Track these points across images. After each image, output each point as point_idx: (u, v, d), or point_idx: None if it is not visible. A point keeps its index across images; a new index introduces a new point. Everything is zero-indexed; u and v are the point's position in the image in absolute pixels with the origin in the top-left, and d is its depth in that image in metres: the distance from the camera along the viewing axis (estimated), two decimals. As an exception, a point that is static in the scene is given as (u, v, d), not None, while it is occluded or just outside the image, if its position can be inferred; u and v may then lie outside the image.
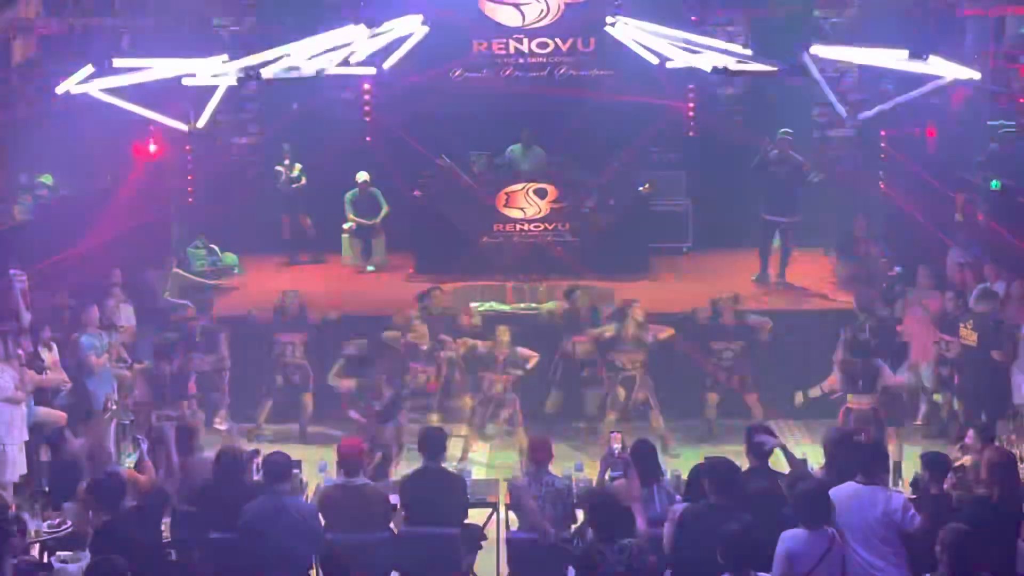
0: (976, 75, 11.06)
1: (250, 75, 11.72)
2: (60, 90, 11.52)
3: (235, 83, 11.27)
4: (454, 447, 13.57)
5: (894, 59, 10.45)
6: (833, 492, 8.13)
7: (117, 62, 11.10)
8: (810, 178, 15.92)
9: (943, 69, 10.52)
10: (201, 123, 12.61)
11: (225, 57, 11.25)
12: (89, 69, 11.08)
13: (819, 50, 11.31)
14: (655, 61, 14.25)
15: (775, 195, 15.78)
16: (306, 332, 14.08)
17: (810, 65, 11.53)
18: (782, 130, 15.95)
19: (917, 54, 10.05)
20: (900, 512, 8.09)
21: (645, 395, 13.55)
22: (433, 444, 9.66)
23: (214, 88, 11.63)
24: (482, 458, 13.46)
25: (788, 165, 15.77)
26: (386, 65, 14.64)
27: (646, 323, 13.57)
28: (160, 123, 12.70)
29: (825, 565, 7.73)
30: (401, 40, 13.80)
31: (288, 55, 11.56)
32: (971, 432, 10.09)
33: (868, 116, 12.15)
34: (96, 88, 11.28)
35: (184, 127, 12.56)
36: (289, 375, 14.01)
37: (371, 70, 14.87)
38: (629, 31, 13.01)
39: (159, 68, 11.06)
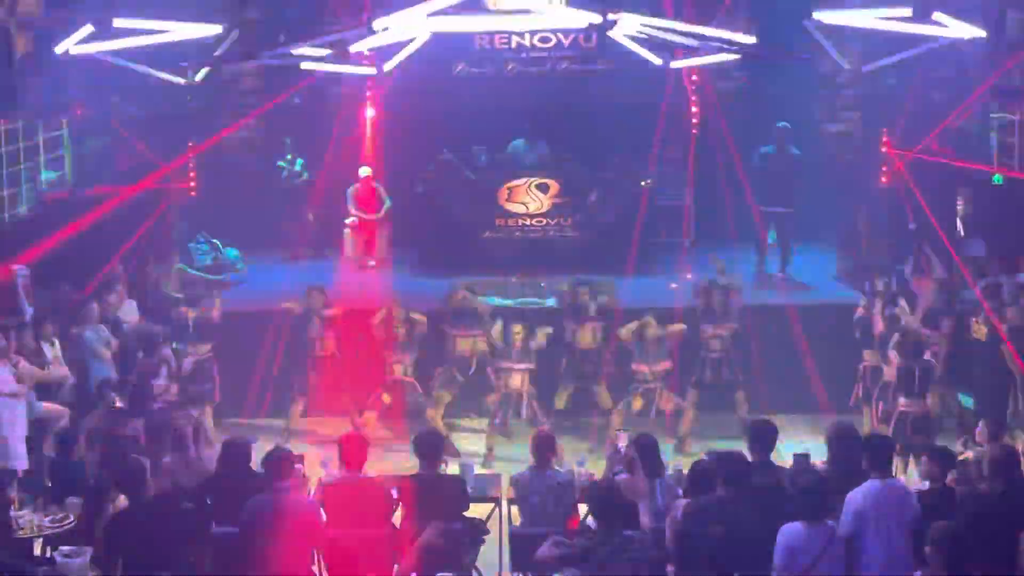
0: (981, 32, 11.01)
1: (248, 55, 11.73)
2: (59, 50, 11.46)
3: (235, 62, 11.30)
4: (477, 444, 13.68)
5: (897, 18, 10.45)
6: (861, 491, 8.09)
7: (117, 22, 11.04)
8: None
9: (947, 28, 10.51)
10: (199, 78, 12.57)
11: (226, 25, 11.22)
12: (89, 28, 11.02)
13: (822, 16, 11.33)
14: (658, 62, 14.22)
15: (771, 187, 15.81)
16: (338, 328, 13.90)
17: (812, 30, 11.54)
18: (779, 123, 15.99)
19: (921, 12, 10.03)
20: (919, 509, 8.11)
21: (673, 406, 13.55)
22: (428, 448, 9.57)
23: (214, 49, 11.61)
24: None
25: (784, 157, 15.82)
26: (387, 67, 14.65)
27: (662, 335, 13.55)
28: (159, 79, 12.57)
29: (826, 560, 7.73)
30: (402, 44, 13.83)
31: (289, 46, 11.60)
32: (981, 425, 10.08)
33: (871, 69, 12.14)
34: (96, 49, 11.24)
35: (182, 81, 12.52)
36: (322, 372, 13.80)
37: (371, 70, 14.90)
38: (631, 26, 12.98)
39: (159, 32, 11.04)
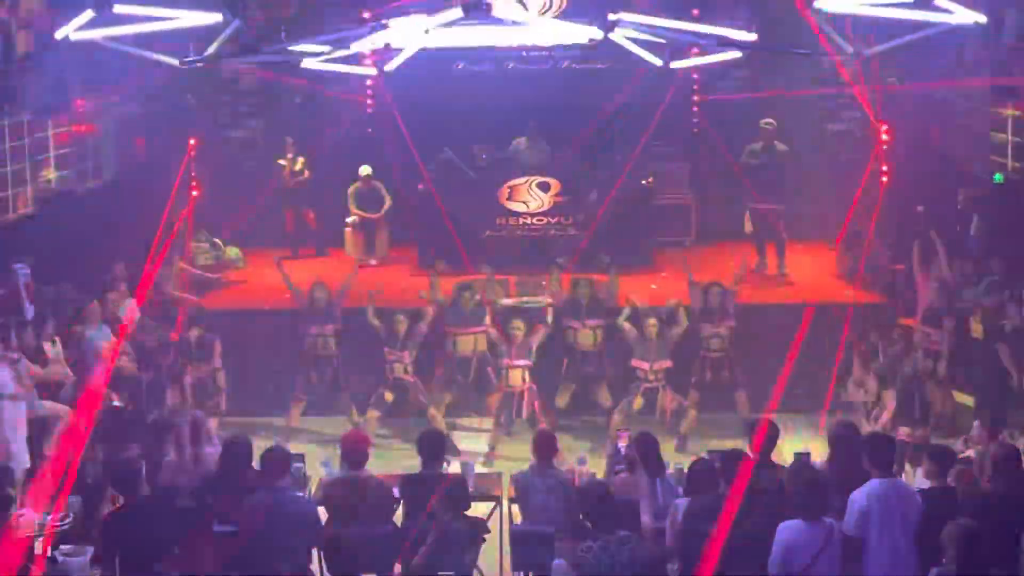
0: (982, 18, 11.09)
1: (247, 47, 11.74)
2: (59, 35, 11.49)
3: (235, 54, 11.31)
4: (478, 443, 13.67)
5: (899, 4, 10.54)
6: (865, 490, 8.09)
7: (118, 8, 11.08)
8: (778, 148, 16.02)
9: (949, 15, 10.58)
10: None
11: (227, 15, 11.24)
12: (89, 14, 11.05)
13: (824, 3, 11.40)
14: (658, 63, 14.23)
15: (761, 183, 15.85)
16: (338, 324, 13.90)
17: (814, 15, 11.56)
18: (764, 120, 16.02)
19: None
20: (921, 507, 8.12)
21: (676, 404, 13.54)
22: (430, 447, 9.57)
23: (217, 28, 11.63)
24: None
25: (772, 154, 15.85)
26: (388, 68, 14.65)
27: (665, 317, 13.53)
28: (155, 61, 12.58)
29: (825, 557, 7.73)
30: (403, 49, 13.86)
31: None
32: (976, 425, 10.07)
33: (874, 52, 12.18)
34: (97, 35, 11.29)
35: (179, 64, 12.49)
36: (322, 370, 13.86)
37: (372, 71, 14.91)
38: (632, 24, 13.01)
39: (159, 19, 11.13)
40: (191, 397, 13.31)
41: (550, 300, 14.17)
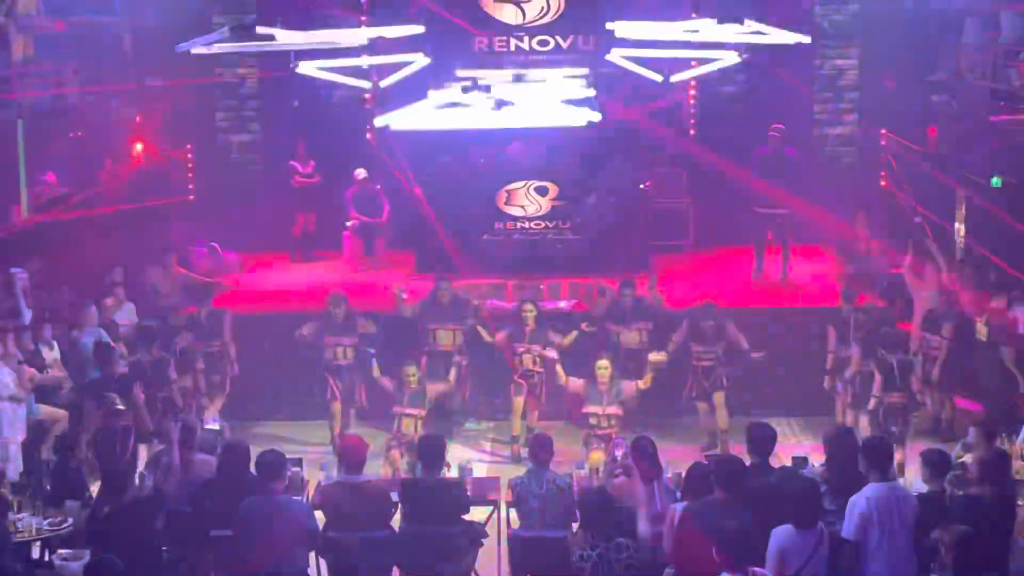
0: None
1: (246, 26, 11.79)
2: None
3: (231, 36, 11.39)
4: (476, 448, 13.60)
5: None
6: (864, 494, 8.11)
7: None
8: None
9: None
10: None
11: None
12: None
13: None
14: (659, 78, 14.24)
15: (767, 188, 15.86)
16: (356, 337, 13.68)
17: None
18: (773, 126, 16.03)
19: None
20: (917, 510, 8.13)
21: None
22: (430, 453, 9.56)
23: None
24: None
25: (780, 159, 15.86)
26: (383, 83, 14.68)
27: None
28: None
29: (815, 561, 7.77)
30: (402, 65, 13.92)
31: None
32: (973, 429, 10.05)
33: None
34: None
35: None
36: (341, 377, 13.55)
37: (367, 83, 14.91)
38: (631, 32, 13.06)
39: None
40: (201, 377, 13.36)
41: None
